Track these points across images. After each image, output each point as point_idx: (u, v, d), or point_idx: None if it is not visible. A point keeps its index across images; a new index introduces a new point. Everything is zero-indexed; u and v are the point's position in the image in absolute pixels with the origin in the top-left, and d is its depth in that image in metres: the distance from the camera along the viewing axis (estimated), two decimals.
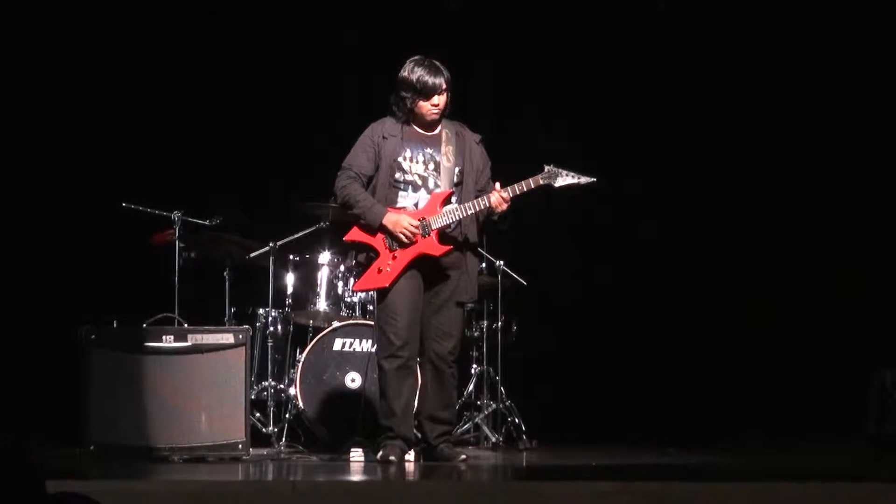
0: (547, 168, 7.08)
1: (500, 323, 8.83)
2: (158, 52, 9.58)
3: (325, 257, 8.64)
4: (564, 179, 7.07)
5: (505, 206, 7.07)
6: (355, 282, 7.87)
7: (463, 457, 7.19)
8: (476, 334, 8.87)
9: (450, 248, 7.08)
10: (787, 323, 9.78)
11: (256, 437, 7.89)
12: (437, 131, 7.21)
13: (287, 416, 8.30)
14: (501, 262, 8.75)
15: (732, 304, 9.76)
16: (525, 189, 7.08)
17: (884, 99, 9.69)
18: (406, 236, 7.02)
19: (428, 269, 7.13)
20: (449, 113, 7.22)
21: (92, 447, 7.13)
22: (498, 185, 7.11)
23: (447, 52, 7.30)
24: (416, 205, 7.12)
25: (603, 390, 9.57)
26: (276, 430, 8.24)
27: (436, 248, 7.07)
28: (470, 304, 7.63)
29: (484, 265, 8.58)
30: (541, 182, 7.08)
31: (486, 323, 8.87)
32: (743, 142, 9.87)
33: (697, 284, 9.82)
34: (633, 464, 7.41)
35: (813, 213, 9.81)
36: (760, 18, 9.82)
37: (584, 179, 7.09)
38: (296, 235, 8.63)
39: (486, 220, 7.22)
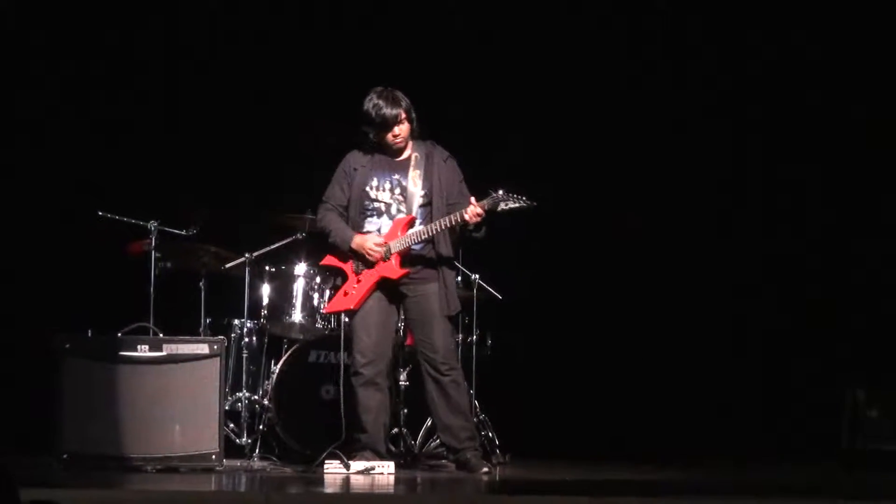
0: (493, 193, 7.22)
1: (474, 336, 8.81)
2: (134, 62, 9.56)
3: (300, 269, 8.61)
4: (507, 204, 7.19)
5: (478, 220, 7.25)
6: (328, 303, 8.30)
7: (485, 469, 7.39)
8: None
9: (407, 272, 7.37)
10: (761, 339, 9.81)
11: (230, 449, 7.85)
12: (405, 156, 7.50)
13: (261, 427, 8.27)
14: (477, 276, 8.73)
15: (705, 321, 9.77)
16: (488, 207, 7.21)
17: None
18: (372, 254, 7.33)
19: (396, 290, 7.43)
20: (418, 133, 7.47)
21: (65, 456, 7.11)
22: (473, 199, 7.28)
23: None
24: (379, 230, 7.43)
25: (577, 405, 9.56)
26: (249, 441, 8.20)
27: (394, 272, 7.37)
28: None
29: (460, 278, 8.58)
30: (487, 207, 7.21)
31: (460, 336, 8.84)
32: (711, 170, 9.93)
33: (671, 300, 9.82)
34: (607, 479, 7.41)
35: (785, 232, 9.86)
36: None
37: (524, 203, 7.20)
38: (272, 246, 8.60)
39: (462, 231, 7.38)
